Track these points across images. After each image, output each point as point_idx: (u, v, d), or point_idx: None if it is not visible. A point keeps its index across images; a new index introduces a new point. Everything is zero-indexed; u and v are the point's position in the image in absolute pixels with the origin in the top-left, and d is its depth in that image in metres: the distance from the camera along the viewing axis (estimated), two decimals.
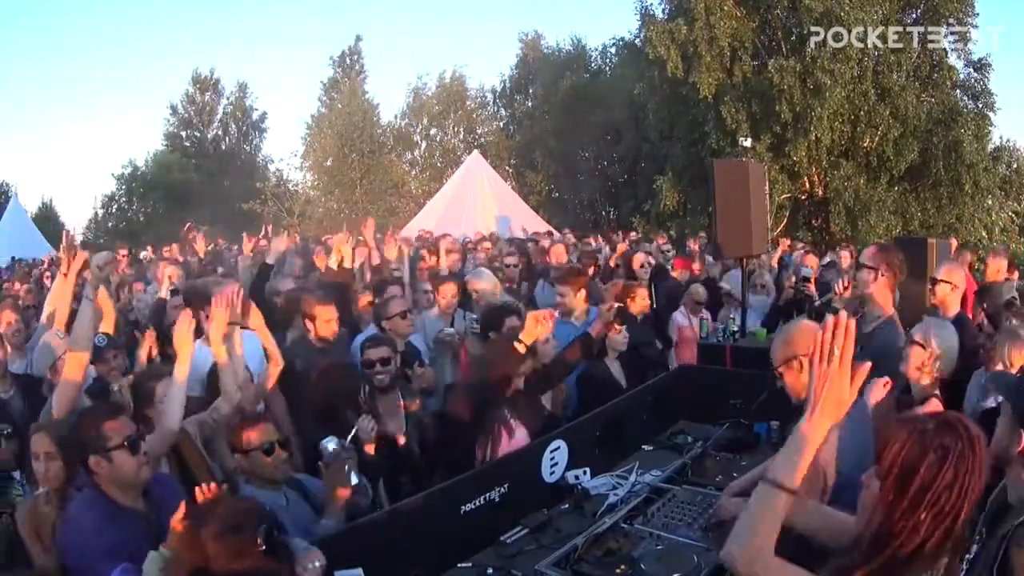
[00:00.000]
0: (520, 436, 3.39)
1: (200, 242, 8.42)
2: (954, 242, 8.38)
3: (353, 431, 2.81)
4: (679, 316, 5.79)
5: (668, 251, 9.29)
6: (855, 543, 1.51)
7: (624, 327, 4.26)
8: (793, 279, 5.95)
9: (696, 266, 7.41)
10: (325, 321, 4.09)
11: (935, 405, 2.77)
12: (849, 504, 1.75)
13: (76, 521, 2.26)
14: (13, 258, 14.52)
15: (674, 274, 6.97)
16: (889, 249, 3.63)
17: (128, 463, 2.28)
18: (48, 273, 8.97)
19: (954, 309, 3.95)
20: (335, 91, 29.94)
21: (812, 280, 5.46)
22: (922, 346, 2.88)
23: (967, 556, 1.81)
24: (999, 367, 2.93)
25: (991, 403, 2.86)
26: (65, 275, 3.63)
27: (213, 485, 2.14)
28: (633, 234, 13.22)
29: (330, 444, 2.62)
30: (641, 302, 5.03)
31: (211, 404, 3.14)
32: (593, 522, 2.93)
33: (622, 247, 7.05)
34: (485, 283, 5.12)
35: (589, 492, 3.32)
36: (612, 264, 7.30)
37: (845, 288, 3.99)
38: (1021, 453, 1.71)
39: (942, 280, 3.94)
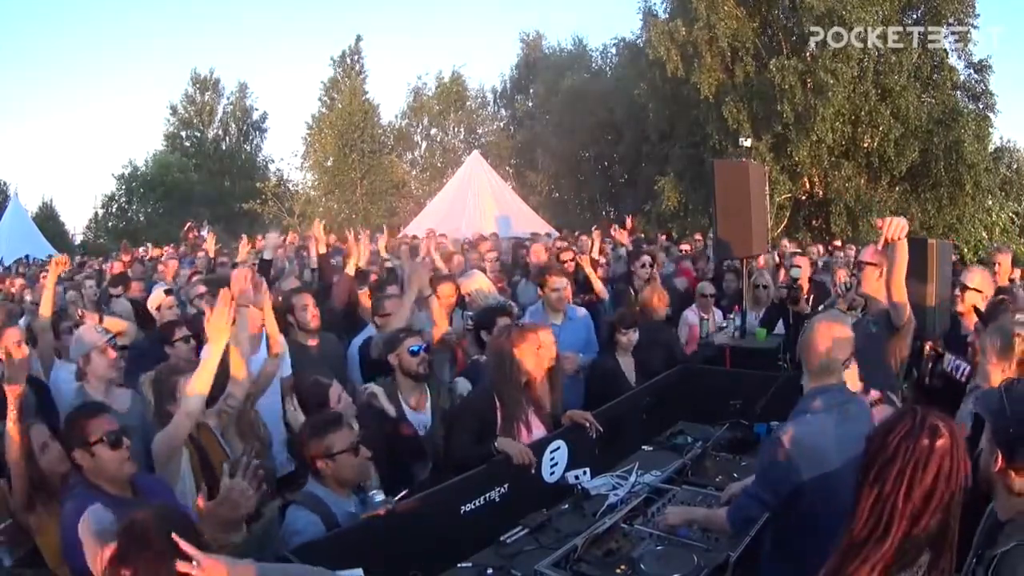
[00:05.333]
0: (538, 431, 3.41)
1: (210, 240, 8.46)
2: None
3: (403, 492, 2.81)
4: (690, 314, 5.78)
5: (670, 248, 9.31)
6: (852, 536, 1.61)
7: (632, 330, 4.29)
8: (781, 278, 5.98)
9: (688, 267, 7.44)
10: (302, 307, 4.21)
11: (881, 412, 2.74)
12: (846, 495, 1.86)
13: (69, 516, 2.30)
14: (26, 256, 14.54)
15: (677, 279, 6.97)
16: (888, 247, 3.61)
17: (109, 457, 2.38)
18: (44, 273, 8.99)
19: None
20: (335, 91, 29.91)
21: (803, 280, 5.45)
22: None
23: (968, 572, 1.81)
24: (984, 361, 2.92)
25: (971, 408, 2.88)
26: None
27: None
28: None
29: (377, 496, 2.66)
30: (662, 300, 5.14)
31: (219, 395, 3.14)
32: (593, 522, 2.93)
33: (595, 236, 7.04)
34: (476, 284, 5.15)
35: (589, 492, 3.32)
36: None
37: (848, 290, 3.96)
38: (999, 472, 1.76)
39: (973, 289, 3.78)
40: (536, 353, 3.40)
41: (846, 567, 1.56)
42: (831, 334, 2.42)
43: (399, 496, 2.76)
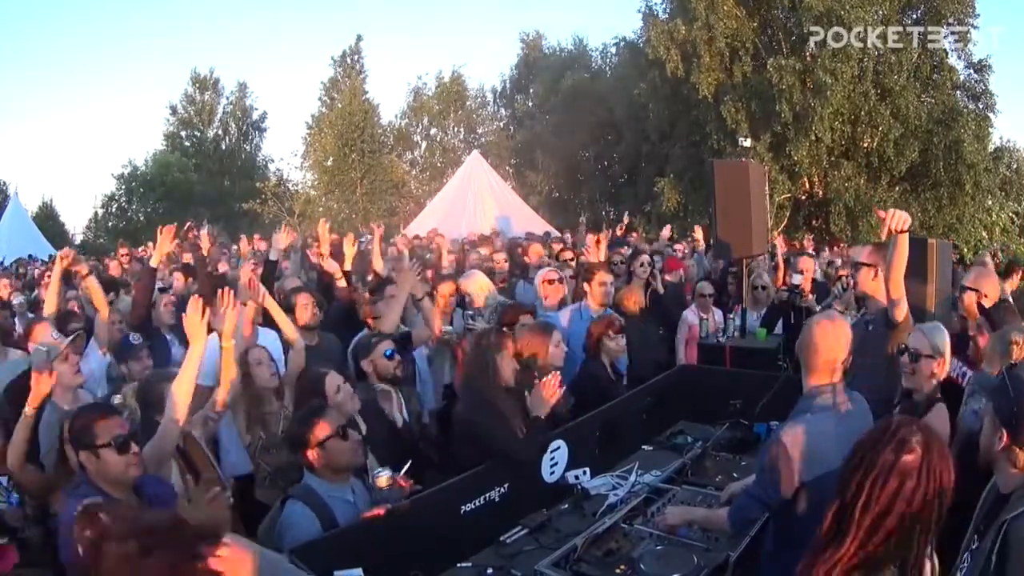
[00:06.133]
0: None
1: (205, 239, 8.38)
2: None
3: (408, 464, 2.83)
4: (690, 315, 5.78)
5: (669, 247, 9.29)
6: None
7: (620, 334, 4.29)
8: (785, 279, 5.99)
9: (688, 265, 7.44)
10: (302, 306, 4.24)
11: (943, 411, 2.75)
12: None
13: (67, 514, 2.28)
14: (31, 255, 14.54)
15: (667, 276, 6.94)
16: (885, 247, 3.61)
17: (115, 461, 2.33)
18: (48, 273, 8.96)
19: None
20: (335, 91, 29.91)
21: (806, 283, 5.48)
22: (931, 356, 2.83)
23: (972, 547, 1.83)
24: (988, 367, 2.93)
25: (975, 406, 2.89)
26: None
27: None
28: (634, 235, 13.17)
29: (383, 474, 2.67)
30: (636, 302, 5.15)
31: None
32: (593, 522, 2.93)
33: (599, 238, 7.00)
34: (476, 284, 5.15)
35: (589, 492, 3.32)
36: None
37: (845, 291, 3.97)
38: (1003, 450, 1.77)
39: (969, 288, 3.69)
40: (513, 359, 3.35)
41: (809, 568, 1.54)
42: (829, 333, 2.43)
43: (404, 469, 2.76)
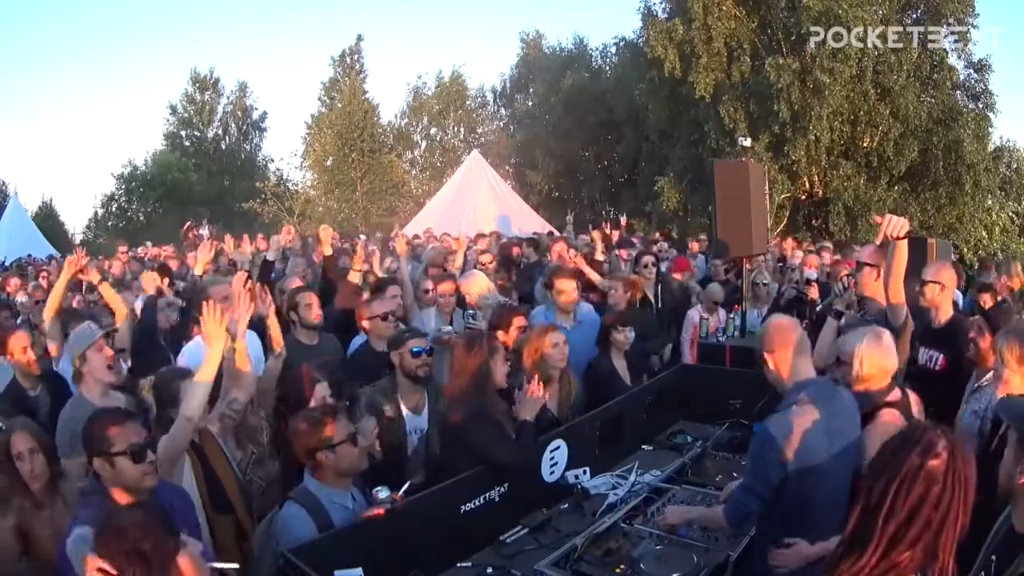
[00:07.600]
0: None
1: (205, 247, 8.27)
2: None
3: (407, 484, 2.83)
4: (694, 314, 5.79)
5: (668, 250, 9.29)
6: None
7: (629, 327, 4.30)
8: (793, 279, 6.00)
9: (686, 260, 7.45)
10: (306, 306, 4.25)
11: (890, 416, 2.57)
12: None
13: (77, 521, 2.23)
14: (30, 255, 14.56)
15: (676, 276, 6.93)
16: (886, 246, 3.61)
17: (131, 470, 2.26)
18: (45, 272, 8.96)
19: (946, 312, 3.73)
20: (335, 91, 29.93)
21: (814, 283, 5.50)
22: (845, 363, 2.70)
23: None
24: (994, 366, 2.92)
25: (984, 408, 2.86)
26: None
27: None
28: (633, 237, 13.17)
29: (382, 493, 2.68)
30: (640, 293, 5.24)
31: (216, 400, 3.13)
32: (593, 522, 2.94)
33: (601, 235, 6.98)
34: (476, 284, 5.15)
35: (589, 492, 3.33)
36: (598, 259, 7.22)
37: (846, 290, 3.98)
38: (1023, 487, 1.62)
39: (930, 281, 3.74)
40: (506, 363, 3.29)
41: (832, 573, 1.49)
42: (782, 327, 2.50)
43: (403, 489, 2.76)
